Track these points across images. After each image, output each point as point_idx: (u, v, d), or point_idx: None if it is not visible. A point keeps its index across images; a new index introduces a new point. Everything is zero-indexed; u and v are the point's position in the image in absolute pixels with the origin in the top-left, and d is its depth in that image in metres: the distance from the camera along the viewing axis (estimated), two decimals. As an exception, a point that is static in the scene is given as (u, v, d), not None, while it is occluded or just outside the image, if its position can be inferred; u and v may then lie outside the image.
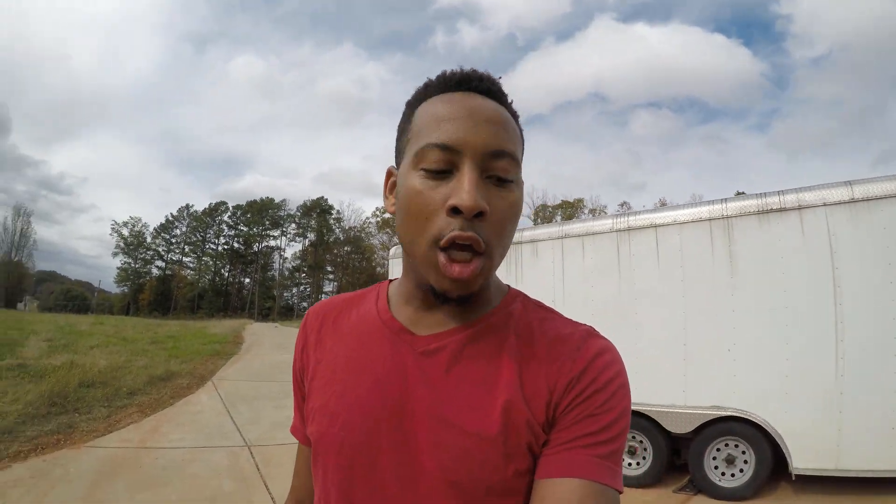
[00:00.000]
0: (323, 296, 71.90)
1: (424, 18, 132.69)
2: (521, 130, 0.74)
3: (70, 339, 15.61)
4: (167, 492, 4.72)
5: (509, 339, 0.72)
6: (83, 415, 7.35)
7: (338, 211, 77.39)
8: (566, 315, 0.78)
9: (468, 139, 0.65)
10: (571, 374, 0.67)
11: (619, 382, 0.68)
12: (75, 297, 75.71)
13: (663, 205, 53.58)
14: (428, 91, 0.73)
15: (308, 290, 76.62)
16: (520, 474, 0.66)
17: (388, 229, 68.87)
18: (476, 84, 0.70)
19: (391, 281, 0.86)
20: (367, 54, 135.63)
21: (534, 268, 6.15)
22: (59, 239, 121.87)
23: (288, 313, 71.03)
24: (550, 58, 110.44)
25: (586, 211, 62.78)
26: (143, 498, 4.54)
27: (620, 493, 0.65)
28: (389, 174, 0.78)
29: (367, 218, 74.77)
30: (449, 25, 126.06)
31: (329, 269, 76.28)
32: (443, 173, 0.66)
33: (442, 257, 0.65)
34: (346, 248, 74.58)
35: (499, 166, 0.66)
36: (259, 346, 20.30)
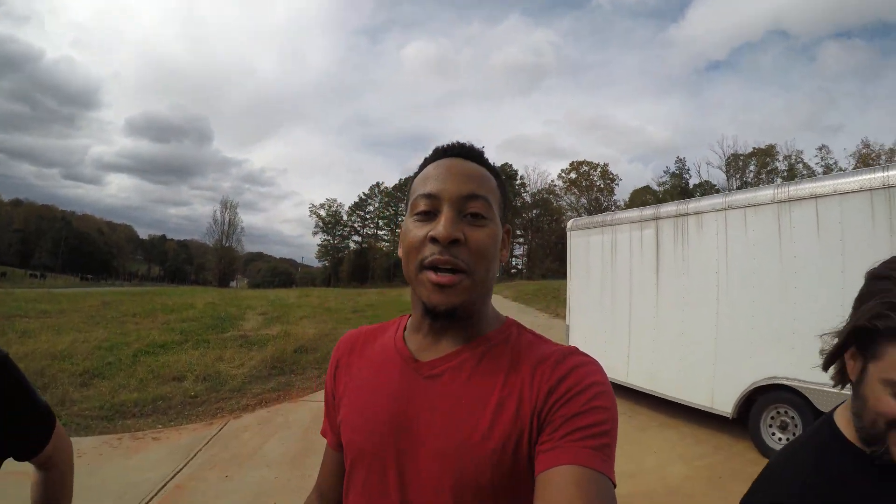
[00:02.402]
0: (513, 259, 70.99)
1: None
2: (499, 184, 0.94)
3: (281, 312, 17.07)
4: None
5: (502, 362, 0.85)
6: (298, 375, 8.99)
7: (522, 176, 72.45)
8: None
9: (446, 187, 0.85)
10: (550, 383, 0.79)
11: (599, 388, 0.78)
12: (280, 273, 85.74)
13: (867, 146, 45.91)
14: (425, 163, 0.94)
15: None
16: (508, 476, 0.78)
17: (574, 189, 67.93)
18: (458, 151, 0.92)
19: (411, 315, 1.00)
20: (534, 21, 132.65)
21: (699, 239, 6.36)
22: (264, 224, 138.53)
23: None
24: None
25: (780, 157, 55.57)
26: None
27: (615, 485, 0.72)
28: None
29: (553, 180, 68.77)
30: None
31: (518, 232, 71.13)
32: (428, 215, 0.85)
33: (429, 272, 0.82)
34: (534, 212, 71.23)
35: (472, 206, 0.85)
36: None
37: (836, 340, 0.95)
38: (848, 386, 0.97)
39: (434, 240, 0.81)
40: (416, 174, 0.94)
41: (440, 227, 0.81)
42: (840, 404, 1.02)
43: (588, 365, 0.81)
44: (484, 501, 0.78)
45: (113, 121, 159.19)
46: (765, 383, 5.49)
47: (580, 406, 0.75)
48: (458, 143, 0.94)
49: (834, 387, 1.00)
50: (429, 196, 0.85)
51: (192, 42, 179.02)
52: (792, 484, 0.97)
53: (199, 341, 11.10)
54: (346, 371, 1.02)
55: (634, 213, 7.64)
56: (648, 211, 7.32)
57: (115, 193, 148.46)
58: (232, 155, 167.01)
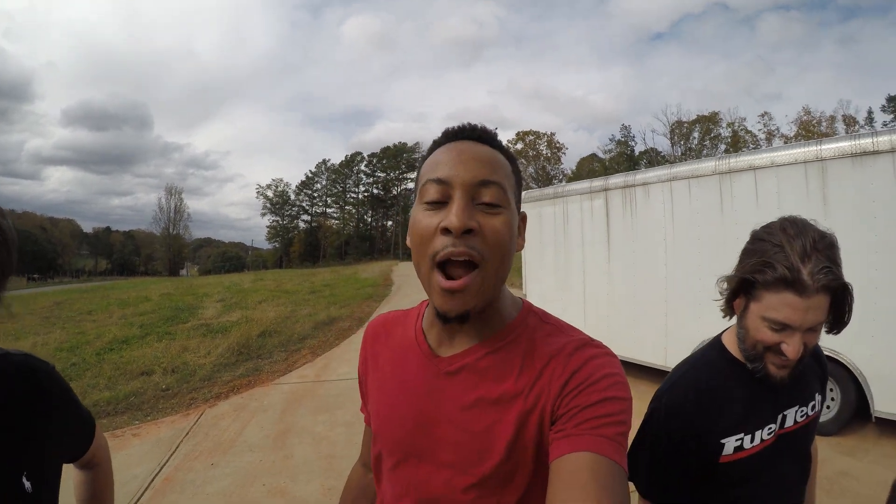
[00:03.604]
0: None
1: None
2: (514, 168, 0.88)
3: (239, 297, 17.06)
4: (341, 413, 6.11)
5: (517, 356, 0.84)
6: (265, 360, 9.06)
7: None
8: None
9: (457, 173, 0.80)
10: (564, 376, 0.79)
11: (612, 379, 0.78)
12: (231, 258, 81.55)
13: (807, 113, 48.51)
14: (434, 146, 0.89)
15: None
16: (524, 469, 0.80)
17: (521, 159, 65.39)
18: (469, 133, 0.86)
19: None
20: None
21: (646, 209, 6.65)
22: (210, 209, 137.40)
23: None
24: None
25: (724, 124, 55.97)
26: (323, 419, 5.95)
27: (626, 472, 0.72)
28: None
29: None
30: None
31: None
32: (439, 204, 0.80)
33: (439, 275, 0.79)
34: None
35: (486, 193, 0.80)
36: (408, 286, 21.46)
37: (725, 285, 1.27)
38: (734, 317, 1.30)
39: (446, 230, 0.78)
40: (425, 157, 0.90)
41: (452, 217, 0.77)
42: (726, 329, 1.38)
43: (601, 356, 0.81)
44: (501, 494, 0.80)
45: (48, 112, 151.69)
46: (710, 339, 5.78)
47: (594, 397, 0.75)
48: (470, 124, 0.88)
49: (723, 318, 1.32)
50: (439, 182, 0.81)
51: (127, 26, 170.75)
52: (688, 390, 1.28)
53: (161, 334, 11.06)
54: (373, 361, 1.03)
55: (584, 184, 7.86)
56: (598, 182, 7.55)
57: (55, 188, 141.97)
58: (174, 140, 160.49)
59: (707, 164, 6.03)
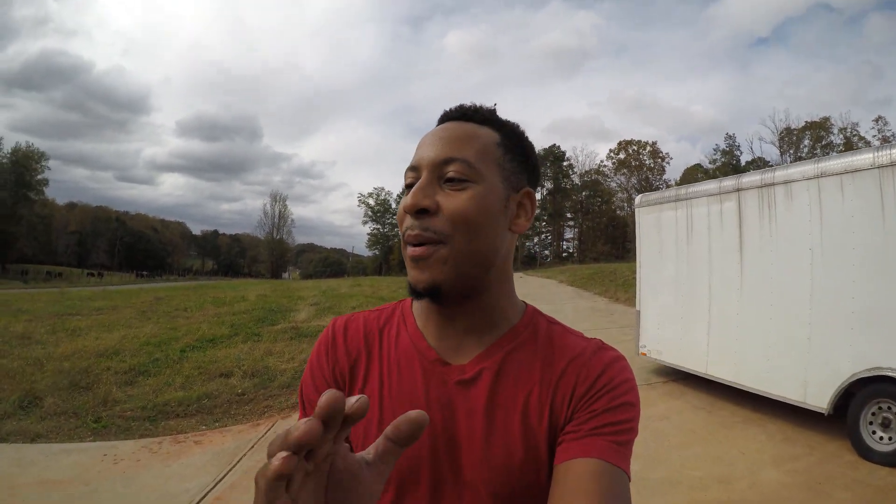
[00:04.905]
0: (564, 243, 74.36)
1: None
2: (504, 140, 0.84)
3: (333, 302, 16.75)
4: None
5: (536, 359, 0.82)
6: None
7: (569, 158, 72.26)
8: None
9: (424, 155, 0.80)
10: (587, 382, 0.78)
11: (629, 385, 0.79)
12: (332, 263, 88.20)
13: None
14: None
15: (549, 238, 74.75)
16: (546, 475, 0.76)
17: (624, 169, 67.18)
18: (453, 114, 0.86)
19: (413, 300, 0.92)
20: (577, 3, 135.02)
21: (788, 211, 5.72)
22: (315, 215, 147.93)
23: (531, 262, 68.35)
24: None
25: (835, 130, 54.64)
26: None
27: (629, 479, 0.73)
28: None
29: (602, 161, 67.65)
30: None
31: (569, 215, 72.68)
32: (411, 187, 0.80)
33: (408, 247, 0.78)
34: (583, 193, 70.46)
35: (448, 170, 0.78)
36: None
37: None
38: None
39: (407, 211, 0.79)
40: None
41: (407, 197, 0.78)
42: None
43: (620, 360, 0.82)
44: (528, 502, 0.76)
45: (164, 123, 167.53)
46: (867, 375, 4.84)
47: (610, 402, 0.76)
48: (459, 105, 0.87)
49: None
50: (411, 168, 0.82)
51: (239, 42, 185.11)
52: None
53: (249, 334, 10.89)
54: (366, 368, 0.89)
55: (712, 184, 7.00)
56: (728, 182, 6.67)
57: (168, 192, 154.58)
58: (282, 150, 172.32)
59: (864, 157, 5.05)
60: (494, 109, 0.87)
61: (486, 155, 0.81)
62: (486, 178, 0.79)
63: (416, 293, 0.79)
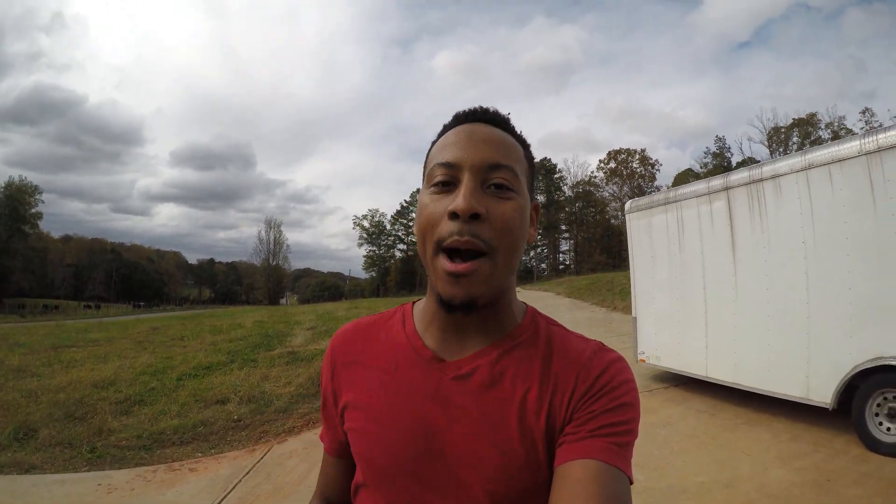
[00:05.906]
0: (560, 255, 74.52)
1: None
2: (527, 154, 0.85)
3: (330, 326, 16.46)
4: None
5: (535, 358, 0.80)
6: None
7: (561, 170, 73.29)
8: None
9: (466, 155, 0.76)
10: (587, 382, 0.76)
11: (629, 385, 0.78)
12: (329, 287, 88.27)
13: None
14: (444, 129, 0.85)
15: (545, 251, 74.53)
16: (544, 474, 0.75)
17: (615, 178, 67.41)
18: (480, 115, 0.83)
19: (414, 303, 0.93)
20: (558, 19, 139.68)
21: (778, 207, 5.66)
22: (311, 240, 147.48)
23: (527, 276, 68.34)
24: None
25: (823, 125, 54.75)
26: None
27: (631, 482, 0.72)
28: None
29: (593, 171, 67.20)
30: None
31: (563, 227, 72.68)
32: (447, 186, 0.76)
33: (444, 259, 0.74)
34: (577, 205, 70.67)
35: (496, 176, 0.75)
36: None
37: None
38: None
39: (454, 215, 0.73)
40: (434, 142, 0.86)
41: (460, 199, 0.73)
42: None
43: (619, 361, 0.81)
44: (527, 502, 0.76)
45: (158, 154, 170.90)
46: (869, 365, 4.78)
47: (610, 403, 0.75)
48: (482, 107, 0.85)
49: None
50: (447, 165, 0.77)
51: (230, 72, 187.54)
52: None
53: (245, 361, 10.78)
54: (347, 371, 0.91)
55: (701, 185, 6.96)
56: (717, 181, 6.63)
57: (164, 222, 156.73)
58: (276, 176, 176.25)
59: (851, 145, 5.03)
60: (510, 118, 0.86)
61: (521, 165, 0.81)
62: (522, 189, 0.80)
63: (450, 307, 0.76)
